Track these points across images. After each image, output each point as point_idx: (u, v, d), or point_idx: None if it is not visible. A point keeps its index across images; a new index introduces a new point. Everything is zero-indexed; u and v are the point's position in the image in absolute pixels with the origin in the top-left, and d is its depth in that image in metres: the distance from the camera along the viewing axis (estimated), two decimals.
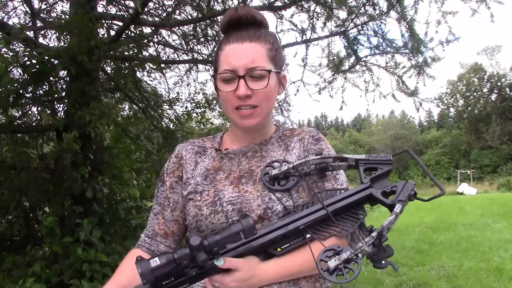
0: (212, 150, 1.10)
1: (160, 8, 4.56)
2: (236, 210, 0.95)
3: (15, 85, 3.13)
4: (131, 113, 5.19)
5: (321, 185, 0.99)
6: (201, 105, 5.71)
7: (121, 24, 4.02)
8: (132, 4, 4.15)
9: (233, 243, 0.85)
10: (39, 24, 4.18)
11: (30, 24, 4.08)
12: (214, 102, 5.68)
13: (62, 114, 3.69)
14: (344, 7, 4.01)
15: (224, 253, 0.85)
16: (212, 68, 1.08)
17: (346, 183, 1.02)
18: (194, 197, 1.02)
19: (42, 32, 3.97)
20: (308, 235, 0.88)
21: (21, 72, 3.25)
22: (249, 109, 0.98)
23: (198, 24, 4.47)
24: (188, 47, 4.77)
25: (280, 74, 1.04)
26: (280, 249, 0.89)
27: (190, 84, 5.45)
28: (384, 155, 0.94)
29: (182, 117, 5.43)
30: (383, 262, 0.80)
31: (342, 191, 0.94)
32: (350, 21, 4.23)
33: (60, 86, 3.70)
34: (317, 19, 4.26)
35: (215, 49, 1.07)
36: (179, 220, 1.08)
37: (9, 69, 3.08)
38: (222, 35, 1.06)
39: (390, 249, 0.81)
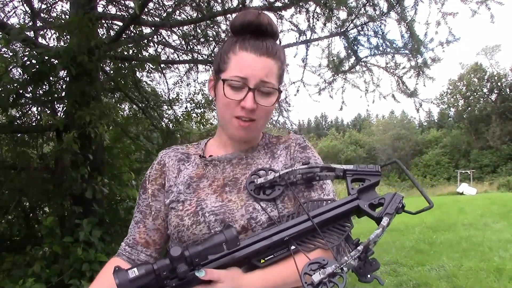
0: (196, 157, 1.07)
1: (160, 8, 4.56)
2: (219, 220, 0.93)
3: (15, 85, 3.13)
4: (131, 113, 5.19)
5: (307, 195, 0.97)
6: (200, 105, 5.71)
7: (121, 24, 4.02)
8: (132, 4, 4.15)
9: (215, 254, 0.83)
10: (39, 24, 4.18)
11: (30, 24, 4.08)
12: (214, 102, 5.68)
13: (62, 114, 3.69)
14: (344, 8, 4.01)
15: (206, 264, 0.83)
16: (214, 66, 1.04)
17: (333, 193, 0.99)
18: (176, 206, 0.99)
19: (42, 32, 3.97)
20: (292, 247, 0.87)
21: (21, 72, 3.25)
22: (248, 121, 0.96)
23: (198, 24, 4.47)
24: (188, 47, 4.77)
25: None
26: (263, 261, 0.87)
27: (190, 84, 5.46)
28: (373, 166, 0.93)
29: (181, 117, 5.44)
30: (369, 276, 0.79)
31: (329, 202, 0.93)
32: (350, 21, 4.23)
33: (60, 86, 3.70)
34: (317, 20, 4.26)
35: (223, 45, 1.01)
36: (161, 229, 1.04)
37: (9, 69, 3.08)
38: (230, 31, 1.02)
39: (376, 263, 0.80)
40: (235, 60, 0.95)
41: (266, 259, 0.87)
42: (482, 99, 35.21)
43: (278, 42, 1.04)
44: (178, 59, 5.03)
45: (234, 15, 3.63)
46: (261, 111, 0.96)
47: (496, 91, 34.61)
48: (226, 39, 1.05)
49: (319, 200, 0.94)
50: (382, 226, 0.81)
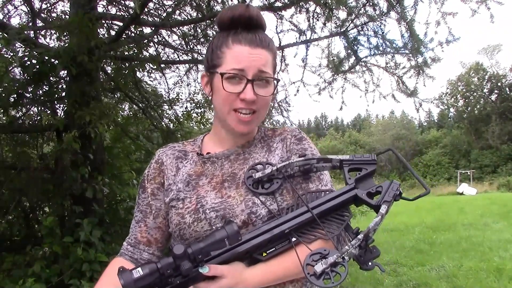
0: (194, 154, 1.07)
1: (160, 8, 4.56)
2: (220, 216, 0.93)
3: (16, 85, 3.13)
4: (131, 113, 5.19)
5: (305, 187, 0.98)
6: (201, 105, 5.72)
7: (121, 24, 4.02)
8: (132, 4, 4.15)
9: (217, 250, 0.83)
10: (39, 24, 4.19)
11: (31, 24, 4.08)
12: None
13: (62, 114, 3.69)
14: (344, 8, 4.01)
15: (209, 260, 0.84)
16: (206, 63, 1.03)
17: (330, 183, 1.00)
18: (176, 205, 0.99)
19: (43, 32, 3.97)
20: (293, 239, 0.88)
21: (21, 72, 3.25)
22: (249, 114, 0.96)
23: (198, 24, 4.47)
24: (188, 47, 4.78)
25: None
26: (265, 254, 0.88)
27: (190, 84, 5.47)
28: (368, 155, 0.93)
29: (182, 117, 5.44)
30: (370, 263, 0.79)
31: (327, 192, 0.93)
32: (350, 21, 4.23)
33: (60, 86, 3.70)
34: (317, 20, 4.26)
35: (213, 41, 1.00)
36: (162, 227, 1.05)
37: (9, 70, 3.08)
38: (218, 28, 1.01)
39: (376, 250, 0.81)
40: (230, 54, 0.95)
41: (268, 252, 0.88)
42: (482, 99, 35.21)
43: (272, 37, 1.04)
44: (178, 59, 5.03)
45: None
46: (260, 102, 0.96)
47: (496, 91, 34.59)
48: (214, 35, 1.03)
49: (317, 191, 0.95)
50: (381, 214, 0.82)
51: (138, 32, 4.13)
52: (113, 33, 4.31)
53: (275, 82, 1.00)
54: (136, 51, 4.08)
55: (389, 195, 0.85)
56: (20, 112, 3.82)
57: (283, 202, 0.95)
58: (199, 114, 5.76)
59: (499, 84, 34.11)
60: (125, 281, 0.75)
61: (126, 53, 4.10)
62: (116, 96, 4.92)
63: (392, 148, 1.01)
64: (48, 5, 4.41)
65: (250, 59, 0.94)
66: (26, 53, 3.24)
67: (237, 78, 0.94)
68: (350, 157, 0.94)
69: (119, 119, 4.51)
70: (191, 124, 5.78)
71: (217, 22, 1.02)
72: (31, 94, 3.44)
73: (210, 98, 1.05)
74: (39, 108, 3.72)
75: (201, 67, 5.22)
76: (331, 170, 0.99)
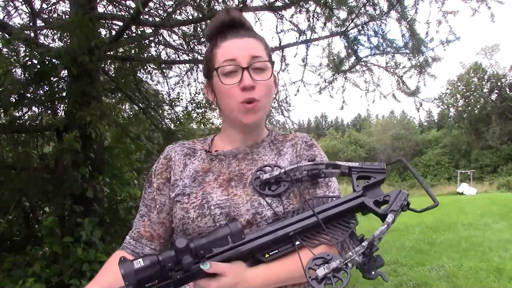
0: (202, 152, 1.08)
1: (161, 8, 4.56)
2: (224, 214, 0.93)
3: (17, 85, 3.13)
4: (132, 113, 5.19)
5: (312, 192, 0.98)
6: (201, 105, 5.71)
7: (121, 24, 4.02)
8: (132, 4, 4.15)
9: (220, 247, 0.83)
10: (39, 24, 4.19)
11: (31, 24, 4.08)
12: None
13: (62, 114, 3.69)
14: (344, 7, 4.01)
15: (211, 257, 0.83)
16: (204, 72, 1.07)
17: (338, 190, 1.00)
18: (181, 199, 1.00)
19: (44, 32, 3.97)
20: (297, 242, 0.87)
21: (22, 72, 3.25)
22: (253, 103, 0.97)
23: (198, 24, 4.47)
24: (189, 47, 4.78)
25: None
26: (268, 255, 0.87)
27: (190, 84, 5.47)
28: (378, 163, 0.93)
29: (182, 117, 5.43)
30: (373, 272, 0.78)
31: (334, 198, 0.93)
32: (350, 21, 4.24)
33: (60, 86, 3.70)
34: (317, 19, 4.27)
35: (207, 50, 1.05)
36: (166, 223, 1.05)
37: (11, 70, 3.08)
38: (208, 41, 1.04)
39: (380, 259, 0.80)
40: (220, 51, 0.98)
41: (270, 254, 0.87)
42: (482, 99, 35.20)
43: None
44: (178, 59, 5.03)
45: None
46: (261, 89, 0.97)
47: (496, 91, 34.58)
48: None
49: (324, 197, 0.94)
50: (387, 223, 0.81)
51: (139, 32, 4.13)
52: (113, 33, 4.31)
53: (271, 64, 1.01)
54: (137, 51, 4.08)
55: (397, 204, 0.85)
56: (21, 112, 3.82)
57: (289, 205, 0.94)
58: (199, 114, 5.76)
59: (499, 84, 34.10)
60: (126, 270, 0.75)
61: (127, 53, 4.10)
62: (116, 96, 4.92)
63: (403, 159, 1.01)
64: (49, 5, 4.41)
65: (240, 48, 0.96)
66: (27, 53, 3.24)
67: (232, 70, 0.95)
68: (359, 164, 0.93)
69: (119, 120, 4.51)
70: (192, 125, 5.78)
71: (206, 36, 1.05)
72: (31, 94, 3.43)
73: (215, 104, 1.07)
74: (40, 108, 3.72)
75: (201, 67, 5.21)
76: (339, 177, 0.99)
